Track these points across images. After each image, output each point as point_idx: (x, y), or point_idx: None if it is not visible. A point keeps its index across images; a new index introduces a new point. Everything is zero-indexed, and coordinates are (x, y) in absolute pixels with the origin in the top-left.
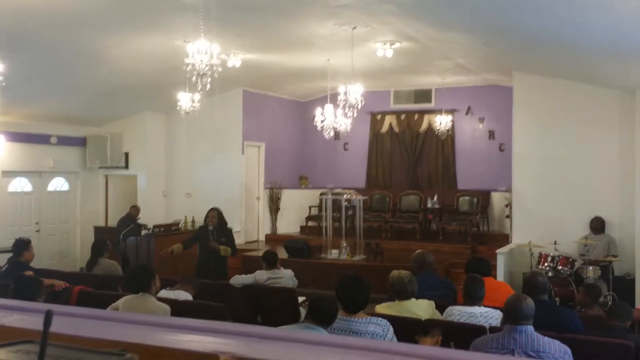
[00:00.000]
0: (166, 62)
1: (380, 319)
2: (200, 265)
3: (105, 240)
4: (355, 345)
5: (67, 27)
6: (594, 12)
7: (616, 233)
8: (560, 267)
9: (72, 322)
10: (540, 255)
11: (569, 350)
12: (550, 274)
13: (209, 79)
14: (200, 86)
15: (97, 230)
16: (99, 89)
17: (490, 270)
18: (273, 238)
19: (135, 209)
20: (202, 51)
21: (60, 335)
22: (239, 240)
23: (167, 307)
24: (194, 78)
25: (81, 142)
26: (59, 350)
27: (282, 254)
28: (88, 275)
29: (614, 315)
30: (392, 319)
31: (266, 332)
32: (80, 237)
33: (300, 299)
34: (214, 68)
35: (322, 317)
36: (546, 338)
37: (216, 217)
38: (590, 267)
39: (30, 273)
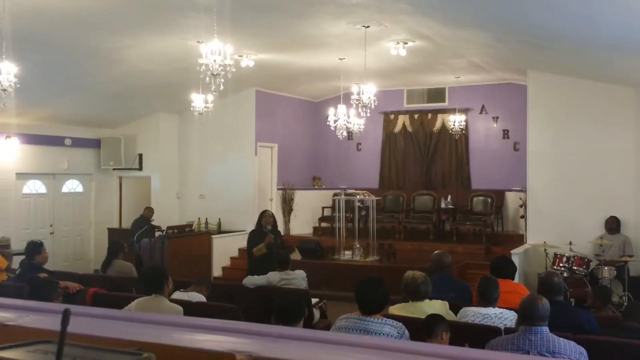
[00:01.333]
0: (179, 62)
1: (396, 321)
2: (258, 267)
3: (122, 242)
4: (369, 344)
5: (81, 28)
6: (607, 7)
7: (631, 233)
8: (575, 268)
9: (89, 322)
10: (556, 255)
11: (584, 352)
12: (565, 274)
13: (222, 80)
14: (213, 87)
15: (111, 232)
16: (113, 90)
17: (515, 272)
18: (286, 239)
19: (149, 211)
20: (216, 52)
21: (77, 335)
22: None
23: (179, 308)
24: (207, 79)
25: (95, 143)
26: (76, 349)
27: (295, 254)
28: (102, 277)
29: (630, 315)
30: (405, 320)
31: (282, 331)
32: (95, 238)
33: (314, 300)
34: (227, 68)
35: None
36: (562, 339)
37: (272, 217)
38: (606, 268)
39: (45, 275)
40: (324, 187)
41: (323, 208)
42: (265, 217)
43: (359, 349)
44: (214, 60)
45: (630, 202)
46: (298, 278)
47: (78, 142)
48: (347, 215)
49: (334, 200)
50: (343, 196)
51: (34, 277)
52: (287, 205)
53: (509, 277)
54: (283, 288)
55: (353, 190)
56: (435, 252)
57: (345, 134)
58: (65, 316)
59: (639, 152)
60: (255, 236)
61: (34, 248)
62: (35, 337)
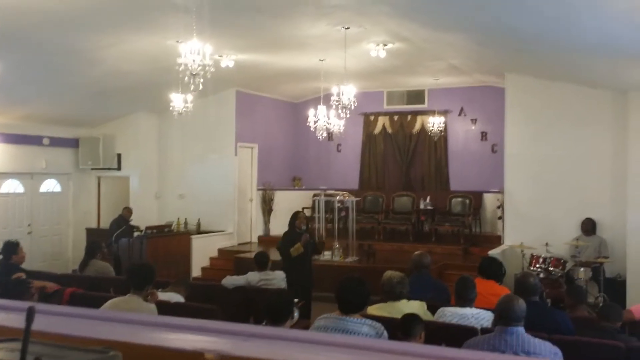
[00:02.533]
0: (159, 62)
1: (375, 321)
2: (297, 270)
3: (99, 242)
4: (342, 343)
5: (60, 27)
6: (584, 13)
7: (607, 234)
8: (551, 269)
9: (58, 320)
10: (532, 256)
11: (559, 352)
12: (541, 275)
13: (202, 80)
14: (192, 87)
15: (89, 231)
16: (92, 90)
17: (502, 274)
18: (266, 239)
19: (127, 211)
20: (195, 51)
21: (46, 333)
22: (231, 242)
23: (152, 307)
24: (186, 78)
25: (74, 143)
26: (42, 347)
27: (275, 255)
28: (80, 277)
29: (604, 316)
30: (383, 320)
31: (252, 330)
32: (73, 238)
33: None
34: (207, 68)
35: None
36: (537, 339)
37: (305, 218)
38: (582, 269)
39: (22, 275)
40: (304, 187)
41: (303, 208)
42: (299, 219)
43: (331, 347)
44: (193, 60)
45: (606, 204)
46: (277, 279)
47: (56, 142)
48: (327, 215)
49: (313, 201)
50: (323, 197)
51: (5, 278)
52: (267, 206)
53: (494, 278)
54: (264, 288)
55: (333, 191)
56: (415, 252)
57: (325, 134)
58: (30, 314)
59: (616, 155)
60: (289, 237)
61: (11, 248)
62: (3, 335)
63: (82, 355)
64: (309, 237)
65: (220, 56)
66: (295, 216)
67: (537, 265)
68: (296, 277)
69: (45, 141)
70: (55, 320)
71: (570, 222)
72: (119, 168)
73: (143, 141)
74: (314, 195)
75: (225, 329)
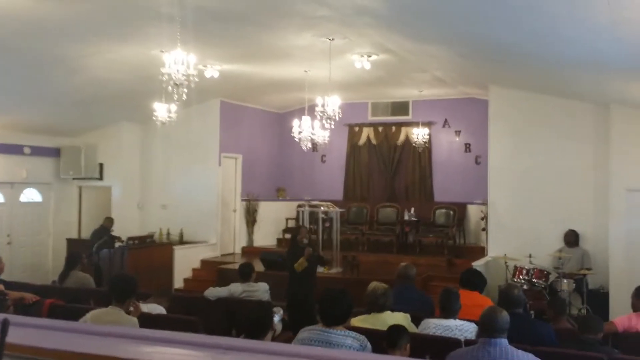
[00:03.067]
0: (142, 71)
1: (358, 334)
2: (296, 286)
3: (79, 253)
4: (322, 356)
5: (42, 36)
6: (567, 26)
7: (590, 246)
8: (535, 280)
9: (35, 333)
10: (516, 268)
11: None
12: (525, 286)
13: (185, 90)
14: (176, 96)
15: (70, 242)
16: (74, 99)
17: (484, 285)
18: (249, 250)
19: (109, 221)
20: (179, 61)
21: (21, 346)
22: (214, 253)
23: (134, 320)
24: (170, 88)
25: (55, 152)
26: None
27: (259, 266)
28: (60, 288)
29: (586, 328)
30: (367, 332)
31: (232, 343)
32: (53, 249)
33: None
34: (191, 78)
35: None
36: (520, 351)
37: (307, 232)
38: (565, 280)
39: (0, 286)
40: (288, 198)
41: (287, 219)
42: (301, 233)
43: None
44: (177, 70)
45: (589, 216)
46: (260, 290)
47: (37, 151)
48: (311, 226)
49: (298, 212)
50: (307, 208)
51: None
52: (251, 217)
53: (476, 289)
54: (246, 300)
55: (317, 202)
56: (401, 264)
57: (309, 145)
58: (4, 326)
59: (598, 167)
60: (292, 252)
61: None
62: None
63: None
64: (312, 250)
65: (205, 66)
66: (297, 230)
67: (521, 277)
68: (299, 290)
69: (26, 150)
70: (32, 332)
71: (553, 234)
72: (100, 178)
73: (126, 151)
74: (298, 206)
75: (204, 342)
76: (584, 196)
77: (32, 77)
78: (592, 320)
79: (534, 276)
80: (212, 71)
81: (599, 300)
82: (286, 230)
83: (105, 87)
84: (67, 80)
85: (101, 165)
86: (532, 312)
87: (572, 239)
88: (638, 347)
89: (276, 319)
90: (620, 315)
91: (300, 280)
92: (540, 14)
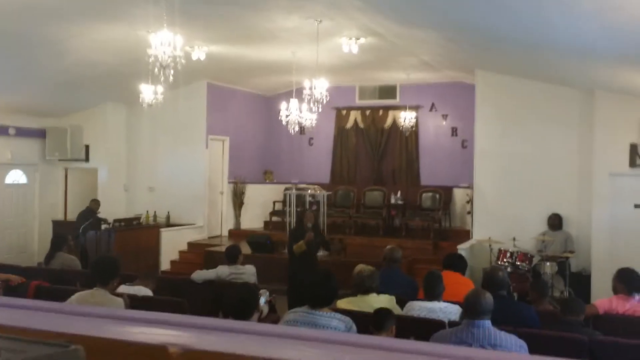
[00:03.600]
0: (128, 53)
1: (344, 316)
2: (296, 267)
3: (65, 234)
4: (308, 336)
5: (27, 16)
6: (553, 11)
7: (573, 229)
8: (518, 263)
9: (20, 314)
10: (500, 251)
11: (524, 344)
12: (509, 269)
13: (172, 71)
14: (162, 78)
15: (56, 224)
16: (60, 80)
17: (465, 268)
18: (236, 233)
19: (95, 203)
20: (165, 43)
21: (6, 327)
22: (201, 235)
23: (120, 301)
24: (156, 70)
25: (40, 134)
26: (1, 341)
27: (246, 249)
28: (46, 270)
29: (568, 310)
30: (352, 314)
31: (217, 324)
32: (39, 231)
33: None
34: (177, 60)
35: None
36: (503, 332)
37: (313, 215)
38: (548, 263)
39: None
40: (275, 181)
41: (274, 202)
42: (306, 217)
43: (297, 341)
44: (164, 52)
45: (573, 200)
46: (247, 273)
47: (22, 132)
48: (298, 209)
49: (285, 195)
50: (294, 190)
51: None
52: (238, 199)
53: (457, 270)
54: (233, 282)
55: (304, 185)
56: (387, 247)
57: (297, 128)
58: None
59: (582, 152)
60: (295, 234)
61: None
62: None
63: (42, 349)
64: (312, 235)
65: (192, 48)
66: (303, 213)
67: (505, 260)
68: (299, 271)
69: (11, 131)
70: (17, 313)
71: (537, 217)
72: (86, 159)
73: (112, 133)
74: (286, 189)
75: (189, 322)
76: (568, 180)
77: (17, 57)
78: (574, 303)
79: (517, 259)
80: (199, 53)
81: (581, 282)
82: (273, 213)
83: (91, 68)
84: (52, 61)
85: (87, 146)
86: (515, 294)
87: (555, 222)
88: (618, 329)
89: (262, 300)
90: (602, 298)
91: (300, 261)
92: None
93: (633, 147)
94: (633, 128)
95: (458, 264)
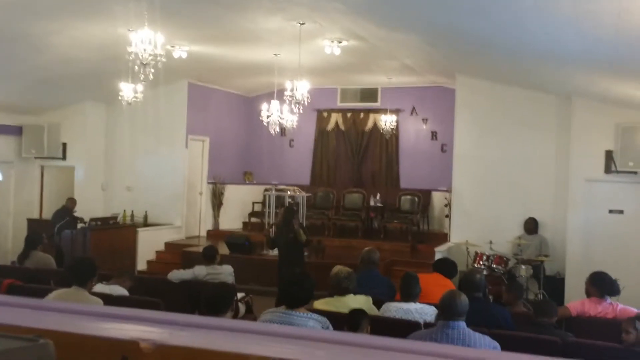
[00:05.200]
0: (108, 50)
1: (320, 316)
2: (285, 266)
3: (40, 233)
4: (282, 333)
5: (5, 11)
6: (531, 18)
7: (549, 234)
8: (494, 266)
9: None
10: (476, 254)
11: (498, 346)
12: (485, 272)
13: (152, 70)
14: (142, 76)
15: (31, 222)
16: (38, 77)
17: (455, 274)
18: (215, 234)
19: (71, 202)
20: (146, 41)
21: None
22: (179, 235)
23: (99, 301)
24: (136, 68)
25: (17, 131)
26: None
27: (224, 249)
28: (19, 268)
29: (541, 312)
30: (329, 314)
31: (190, 320)
32: (13, 229)
33: (240, 295)
34: (158, 58)
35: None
36: (477, 334)
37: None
38: (523, 266)
39: None
40: (255, 182)
41: (253, 203)
42: (295, 218)
43: (268, 337)
44: (144, 50)
45: (549, 204)
46: (225, 273)
47: None
48: (278, 210)
49: (264, 196)
50: (274, 192)
51: None
52: (217, 200)
53: (448, 276)
54: (210, 282)
55: (284, 186)
56: (365, 248)
57: (278, 129)
58: None
59: (558, 157)
60: (282, 232)
61: None
62: None
63: (10, 343)
64: (300, 222)
65: (173, 47)
66: (293, 213)
67: (481, 263)
68: (288, 271)
69: None
70: None
71: (514, 221)
72: (63, 158)
73: (90, 131)
74: (265, 190)
75: (162, 318)
76: (545, 185)
77: None
78: (547, 305)
79: (493, 262)
80: (180, 52)
81: (555, 286)
82: (252, 214)
83: (70, 65)
84: (30, 57)
85: (64, 144)
86: (491, 296)
87: (531, 226)
88: (590, 331)
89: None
90: (574, 300)
91: (290, 261)
92: (506, 5)
93: (608, 154)
94: (609, 135)
95: (447, 268)
